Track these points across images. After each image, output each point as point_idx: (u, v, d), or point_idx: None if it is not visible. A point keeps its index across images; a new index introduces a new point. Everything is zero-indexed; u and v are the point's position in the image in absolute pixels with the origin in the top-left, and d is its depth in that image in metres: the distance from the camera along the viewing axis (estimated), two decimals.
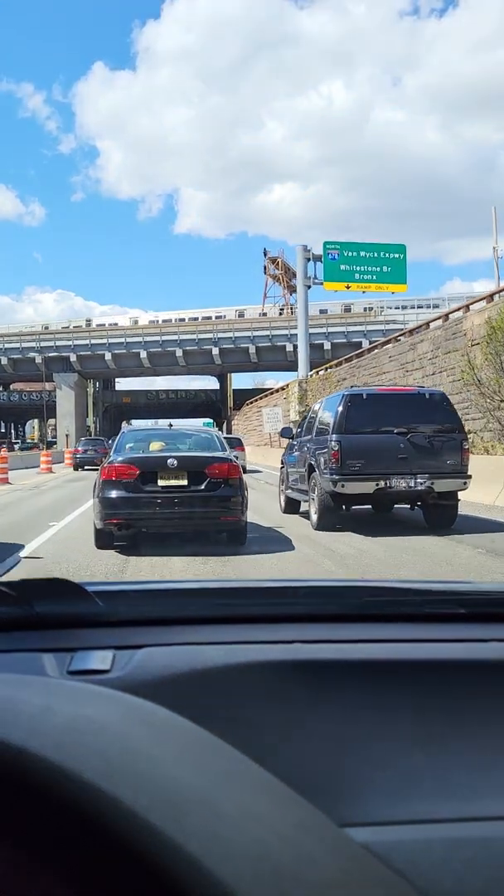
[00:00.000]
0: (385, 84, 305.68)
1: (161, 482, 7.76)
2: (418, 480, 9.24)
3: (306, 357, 38.90)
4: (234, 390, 70.12)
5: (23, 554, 7.81)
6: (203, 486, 7.76)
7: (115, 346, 61.17)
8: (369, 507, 10.70)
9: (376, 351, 29.64)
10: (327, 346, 56.34)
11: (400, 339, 27.66)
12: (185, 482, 7.77)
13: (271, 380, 73.37)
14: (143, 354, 60.26)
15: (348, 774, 0.72)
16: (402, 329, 34.63)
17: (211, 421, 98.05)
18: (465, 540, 8.60)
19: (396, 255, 38.98)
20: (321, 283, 38.27)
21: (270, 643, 0.95)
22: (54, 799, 0.42)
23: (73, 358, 61.31)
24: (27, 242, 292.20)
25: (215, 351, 59.49)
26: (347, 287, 38.55)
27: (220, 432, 10.89)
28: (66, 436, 60.96)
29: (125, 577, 6.57)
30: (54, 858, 0.42)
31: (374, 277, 38.67)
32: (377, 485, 9.22)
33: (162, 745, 0.52)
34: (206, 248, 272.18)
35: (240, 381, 72.68)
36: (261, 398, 51.31)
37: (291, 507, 11.76)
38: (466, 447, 9.71)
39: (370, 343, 39.43)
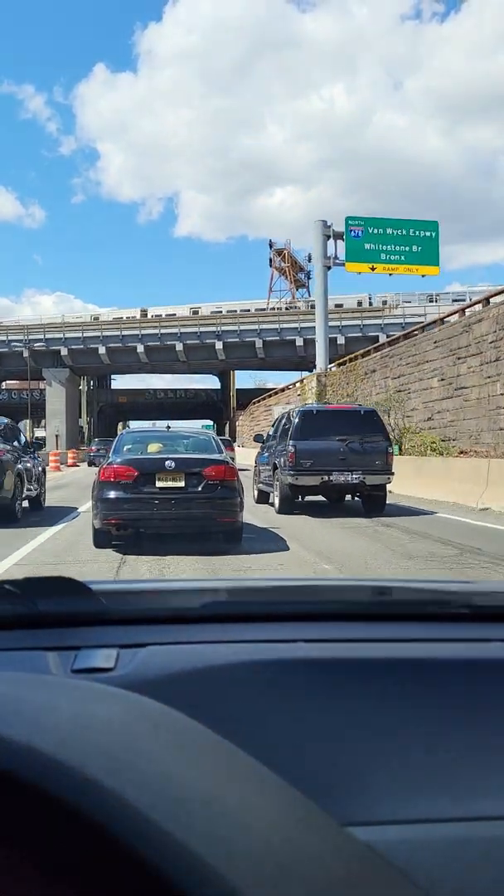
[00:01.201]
0: (387, 87, 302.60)
1: (159, 483, 7.91)
2: (354, 476, 12.17)
3: (325, 348, 34.25)
4: (237, 390, 65.35)
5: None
6: (200, 488, 7.92)
7: (110, 340, 56.28)
8: (322, 497, 13.35)
9: (417, 336, 24.96)
10: (341, 340, 51.72)
11: (448, 321, 23.04)
12: (182, 483, 7.92)
13: (272, 381, 68.65)
14: (141, 349, 55.46)
15: (351, 773, 0.71)
16: (421, 323, 29.97)
17: (210, 423, 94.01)
18: (388, 522, 11.23)
19: (428, 233, 34.36)
20: (342, 264, 33.67)
21: (274, 642, 0.96)
22: (57, 797, 0.41)
23: (64, 352, 56.39)
24: (27, 244, 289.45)
25: (219, 345, 54.75)
26: (372, 269, 33.96)
27: (216, 434, 11.48)
28: (56, 437, 56.09)
29: (139, 552, 7.73)
30: (55, 856, 0.42)
31: (403, 258, 34.04)
32: (322, 479, 12.15)
33: (165, 744, 0.52)
34: (206, 252, 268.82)
35: (240, 381, 68.06)
36: (270, 396, 46.66)
37: (262, 497, 14.33)
38: (391, 451, 12.67)
39: (387, 337, 34.98)
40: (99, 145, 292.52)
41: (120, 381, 77.01)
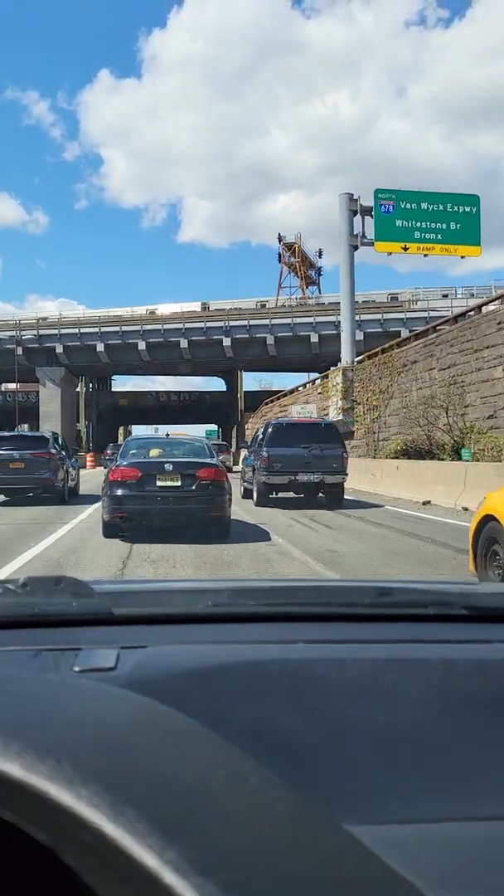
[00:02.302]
0: (390, 93, 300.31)
1: (159, 483, 9.15)
2: (315, 476, 14.94)
3: (352, 338, 30.06)
4: (244, 392, 61.03)
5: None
6: (194, 487, 9.16)
7: (109, 336, 51.93)
8: (293, 493, 15.77)
9: (473, 316, 20.69)
10: (360, 336, 47.42)
11: None
12: (179, 483, 9.16)
13: (277, 384, 64.20)
14: (142, 346, 51.19)
15: (351, 774, 0.72)
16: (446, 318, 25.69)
17: (214, 429, 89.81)
18: (345, 513, 13.75)
19: (468, 209, 30.15)
20: (371, 244, 29.53)
21: (274, 643, 0.98)
22: (56, 797, 0.41)
23: (59, 349, 52.01)
24: (30, 250, 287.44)
25: (226, 342, 50.48)
26: (405, 249, 29.78)
27: (216, 439, 19.74)
28: None
29: (148, 537, 9.04)
30: (50, 857, 0.41)
31: (440, 237, 29.85)
32: (290, 478, 14.94)
33: (165, 744, 0.52)
34: (209, 258, 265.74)
35: (246, 383, 63.68)
36: (284, 396, 42.46)
37: (247, 494, 16.73)
38: (346, 456, 15.45)
39: (410, 332, 30.84)
40: (102, 151, 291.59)
41: (121, 384, 72.80)
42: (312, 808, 0.50)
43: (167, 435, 11.65)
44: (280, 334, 50.07)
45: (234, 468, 27.85)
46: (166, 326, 51.72)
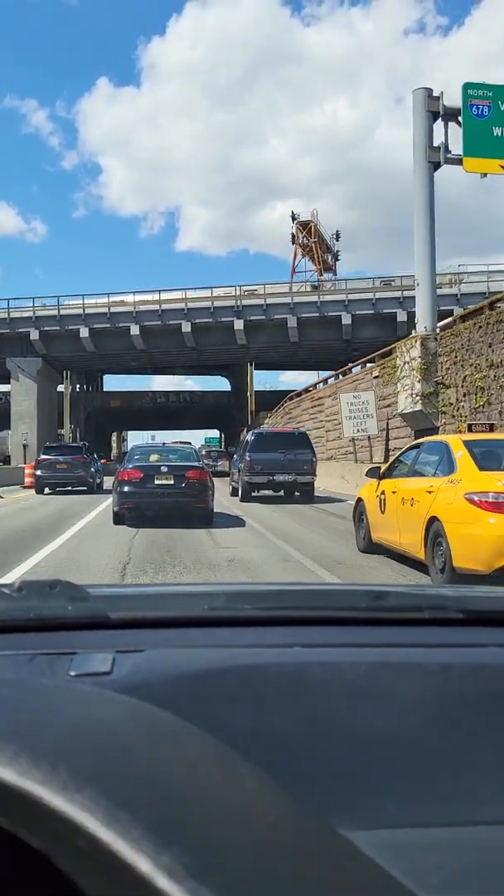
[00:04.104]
0: (389, 101, 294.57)
1: (157, 481, 11.75)
2: (289, 476, 17.66)
3: (432, 297, 20.93)
4: (254, 392, 51.73)
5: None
6: (183, 485, 11.75)
7: (95, 320, 42.71)
8: (272, 492, 18.59)
9: None
10: (402, 317, 38.61)
11: None
12: (172, 482, 11.75)
13: (283, 385, 54.93)
14: (135, 331, 42.08)
15: (347, 778, 0.72)
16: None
17: (216, 437, 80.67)
18: (316, 507, 16.44)
19: None
20: (458, 161, 20.62)
21: (270, 646, 0.98)
22: (51, 802, 0.41)
23: (34, 335, 42.67)
24: (28, 259, 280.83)
25: (238, 325, 41.37)
26: None
27: (196, 448, 16.79)
28: (24, 447, 42.62)
29: (151, 527, 11.27)
30: (45, 861, 0.41)
31: None
32: (268, 478, 17.69)
33: (161, 748, 0.52)
34: (207, 266, 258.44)
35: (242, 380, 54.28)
36: (313, 388, 33.37)
37: (234, 492, 19.51)
38: (315, 460, 18.35)
39: (464, 310, 21.98)
40: (101, 159, 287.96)
41: (113, 382, 63.36)
42: (309, 812, 0.50)
43: (164, 444, 16.01)
44: (304, 315, 41.01)
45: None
46: (165, 307, 42.56)
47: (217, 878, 0.38)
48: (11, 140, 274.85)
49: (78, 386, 57.57)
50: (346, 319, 40.14)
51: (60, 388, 51.44)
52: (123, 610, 1.10)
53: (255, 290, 43.00)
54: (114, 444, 71.79)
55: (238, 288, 42.72)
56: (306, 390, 34.42)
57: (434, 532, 6.61)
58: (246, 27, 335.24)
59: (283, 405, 40.10)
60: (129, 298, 43.78)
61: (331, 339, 41.62)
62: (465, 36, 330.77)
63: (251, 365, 48.98)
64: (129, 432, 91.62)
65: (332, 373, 33.17)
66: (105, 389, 69.30)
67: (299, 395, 36.98)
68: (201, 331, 42.25)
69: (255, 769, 0.52)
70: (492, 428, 8.92)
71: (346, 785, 0.70)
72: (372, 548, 8.71)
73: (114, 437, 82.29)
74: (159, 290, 43.31)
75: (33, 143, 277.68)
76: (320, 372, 45.47)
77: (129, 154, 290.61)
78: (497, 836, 0.65)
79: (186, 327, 41.64)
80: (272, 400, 49.32)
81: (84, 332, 42.22)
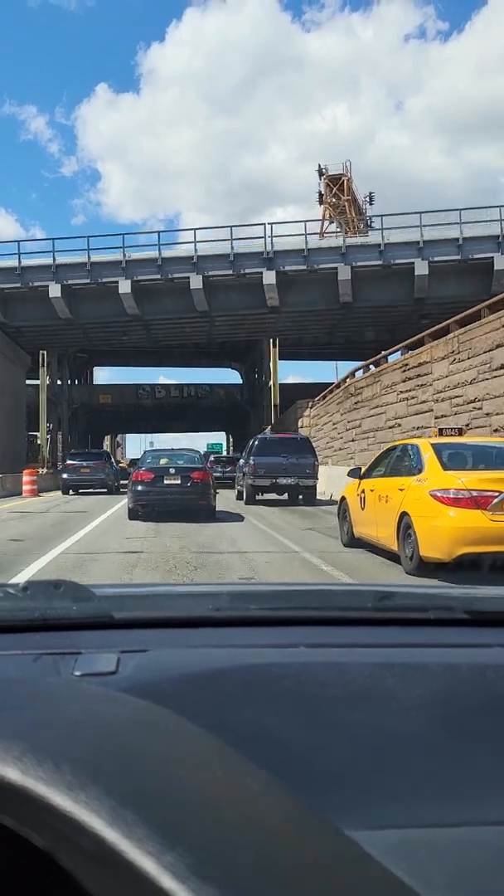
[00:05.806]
0: (389, 107, 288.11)
1: (166, 482, 13.76)
2: (291, 479, 18.40)
3: None
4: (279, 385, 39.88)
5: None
6: (188, 484, 13.73)
7: (71, 273, 31.02)
8: (276, 494, 19.06)
9: None
10: (501, 263, 27.14)
11: None
12: (179, 482, 13.76)
13: (291, 377, 42.84)
14: (125, 288, 30.22)
15: (352, 778, 0.72)
16: None
17: (221, 443, 69.03)
18: (316, 507, 17.53)
19: None
20: None
21: (275, 646, 0.99)
22: (56, 802, 0.41)
23: None
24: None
25: (269, 278, 29.69)
26: None
27: (202, 453, 17.55)
28: None
29: (155, 523, 12.67)
30: (49, 861, 0.41)
31: None
32: (272, 481, 18.46)
33: (165, 748, 0.52)
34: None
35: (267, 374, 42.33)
36: (407, 352, 21.62)
37: (239, 496, 20.32)
38: (317, 464, 19.12)
39: None
40: (100, 165, 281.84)
41: (102, 376, 51.57)
42: (313, 812, 0.50)
43: (172, 449, 17.28)
44: (362, 263, 29.38)
45: None
46: (166, 254, 30.92)
47: (221, 878, 0.38)
48: (10, 146, 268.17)
49: (59, 381, 46.13)
50: (421, 268, 28.55)
51: (34, 382, 39.88)
52: (128, 610, 1.13)
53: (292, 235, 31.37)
54: (107, 448, 60.08)
55: (269, 226, 31.03)
56: (380, 364, 22.63)
57: (405, 525, 7.36)
58: (246, 33, 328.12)
59: (326, 399, 28.38)
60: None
61: (397, 300, 29.95)
62: (466, 42, 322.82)
63: (274, 345, 37.32)
64: (126, 435, 79.55)
65: (406, 342, 21.41)
66: (95, 383, 57.89)
67: (343, 384, 25.50)
68: (216, 287, 30.59)
69: (259, 769, 0.52)
70: (460, 432, 9.70)
71: (351, 785, 0.70)
72: (354, 542, 9.36)
73: (106, 440, 70.45)
74: (158, 232, 31.50)
75: (32, 150, 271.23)
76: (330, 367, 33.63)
77: (128, 160, 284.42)
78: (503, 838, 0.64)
79: (196, 282, 29.89)
80: (295, 394, 37.79)
81: (55, 291, 30.44)
